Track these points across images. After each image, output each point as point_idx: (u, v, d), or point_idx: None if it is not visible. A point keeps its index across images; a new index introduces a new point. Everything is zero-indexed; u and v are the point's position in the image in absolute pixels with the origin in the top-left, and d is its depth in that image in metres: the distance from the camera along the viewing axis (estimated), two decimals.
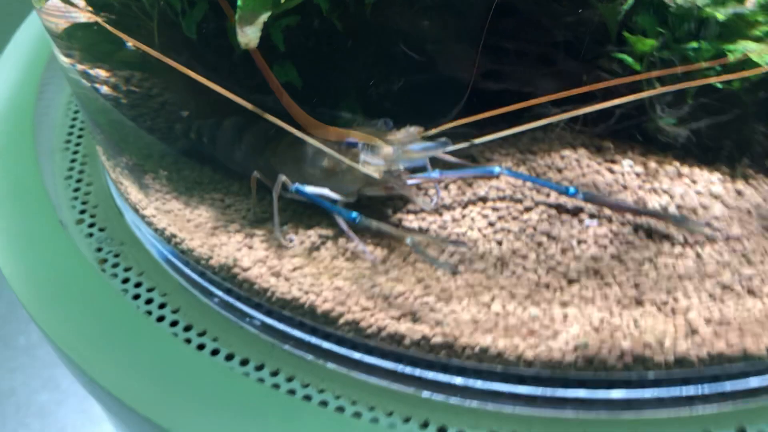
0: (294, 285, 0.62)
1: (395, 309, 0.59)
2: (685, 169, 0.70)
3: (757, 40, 0.65)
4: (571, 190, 0.64)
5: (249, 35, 0.54)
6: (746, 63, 0.65)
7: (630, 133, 0.73)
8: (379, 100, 0.74)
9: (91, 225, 0.78)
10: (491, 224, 0.66)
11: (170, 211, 0.71)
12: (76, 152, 0.89)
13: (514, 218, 0.65)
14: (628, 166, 0.71)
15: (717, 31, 0.68)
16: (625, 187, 0.69)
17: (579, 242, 0.62)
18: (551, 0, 0.73)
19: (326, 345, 0.62)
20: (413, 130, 0.65)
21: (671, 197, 0.67)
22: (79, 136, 0.91)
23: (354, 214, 0.62)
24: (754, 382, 0.55)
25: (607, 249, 0.61)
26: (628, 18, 0.71)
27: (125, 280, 0.71)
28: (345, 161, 0.63)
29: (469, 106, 0.69)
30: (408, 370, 0.59)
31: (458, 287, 0.60)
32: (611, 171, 0.71)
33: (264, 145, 0.71)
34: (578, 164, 0.72)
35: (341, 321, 0.60)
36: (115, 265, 0.73)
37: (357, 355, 0.61)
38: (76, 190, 0.83)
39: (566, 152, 0.73)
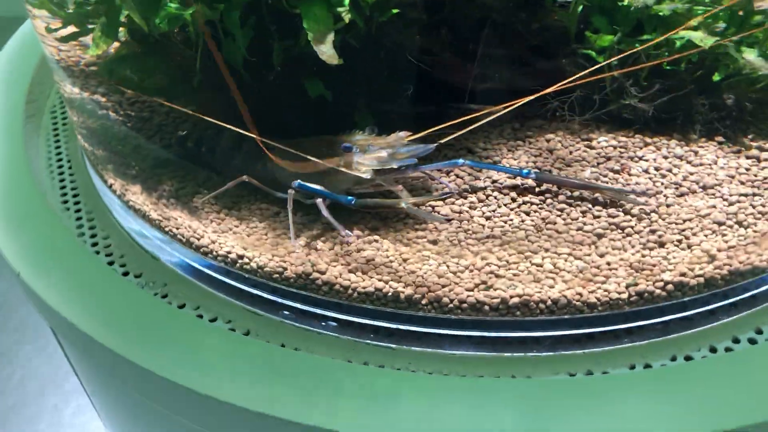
0: (373, 277, 0.69)
1: (467, 281, 0.67)
2: (648, 139, 0.85)
3: (694, 29, 0.82)
4: (524, 171, 0.76)
5: (327, 53, 0.61)
6: (686, 48, 0.82)
7: (599, 116, 0.88)
8: (386, 108, 0.84)
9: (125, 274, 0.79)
10: (513, 200, 0.77)
11: (228, 231, 0.74)
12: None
13: (531, 194, 0.77)
14: (604, 141, 0.85)
15: (655, 24, 0.83)
16: (608, 159, 0.82)
17: (594, 205, 0.75)
18: (520, 11, 0.86)
19: (406, 328, 0.69)
20: (402, 134, 0.77)
21: (647, 161, 0.81)
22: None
23: (349, 198, 0.72)
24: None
25: (620, 208, 0.74)
26: (582, 22, 0.86)
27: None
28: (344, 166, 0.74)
29: (462, 109, 0.81)
30: (493, 334, 0.68)
31: (511, 255, 0.70)
32: (592, 147, 0.84)
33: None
34: (563, 144, 0.85)
35: (423, 301, 0.67)
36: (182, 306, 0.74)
37: (443, 331, 0.69)
38: (95, 245, 0.83)
39: (552, 136, 0.86)
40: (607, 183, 0.78)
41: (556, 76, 0.86)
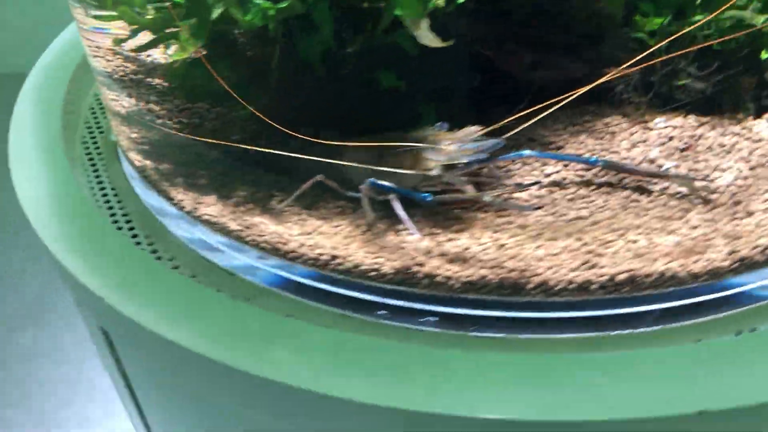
0: (474, 266, 0.68)
1: (569, 262, 0.67)
2: (703, 119, 0.87)
3: (742, 8, 0.84)
4: (592, 159, 0.77)
5: (427, 37, 0.61)
6: (735, 27, 0.84)
7: (651, 100, 0.89)
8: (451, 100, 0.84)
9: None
10: (590, 183, 0.77)
11: (312, 232, 0.73)
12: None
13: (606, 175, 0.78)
14: (661, 123, 0.86)
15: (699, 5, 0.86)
16: (670, 138, 0.84)
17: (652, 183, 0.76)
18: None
19: (514, 314, 0.69)
20: (473, 129, 0.76)
21: (707, 139, 0.83)
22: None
23: (424, 194, 0.71)
24: None
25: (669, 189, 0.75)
26: (626, 8, 0.88)
27: None
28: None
29: (519, 101, 0.82)
30: (599, 312, 0.68)
31: (604, 234, 0.70)
32: (650, 129, 0.86)
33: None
34: (621, 128, 0.86)
35: (529, 286, 0.67)
36: None
37: (549, 314, 0.68)
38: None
39: (609, 120, 0.87)
40: (676, 163, 0.79)
41: (607, 61, 0.88)
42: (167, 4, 0.70)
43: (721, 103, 0.89)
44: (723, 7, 0.84)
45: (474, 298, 0.69)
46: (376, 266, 0.70)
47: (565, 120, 0.88)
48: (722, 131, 0.85)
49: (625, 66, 0.82)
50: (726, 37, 0.83)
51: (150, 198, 0.86)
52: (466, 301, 0.69)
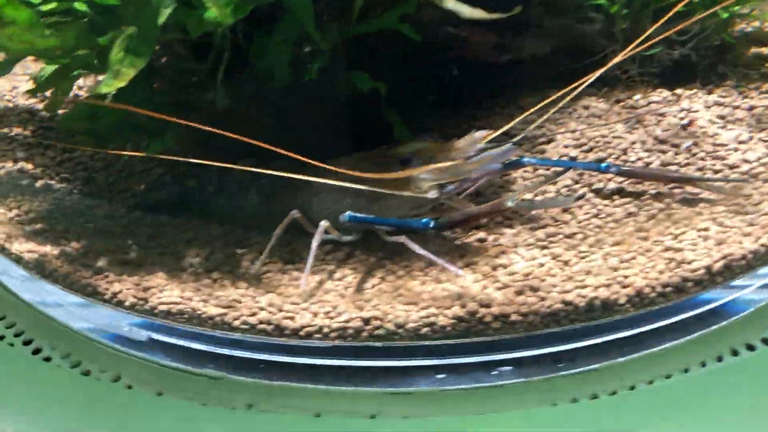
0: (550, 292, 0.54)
1: (650, 265, 0.56)
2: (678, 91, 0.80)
3: None
4: (603, 165, 0.65)
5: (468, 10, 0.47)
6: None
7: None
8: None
9: None
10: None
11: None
12: None
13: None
14: (642, 101, 0.79)
15: None
16: (662, 115, 0.76)
17: None
18: None
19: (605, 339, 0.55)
20: (478, 134, 0.63)
21: (696, 111, 0.76)
22: None
23: (426, 220, 0.57)
24: None
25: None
26: None
27: None
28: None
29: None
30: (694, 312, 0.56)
31: (667, 228, 0.60)
32: (634, 107, 0.78)
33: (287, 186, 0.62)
34: (602, 109, 0.78)
35: (621, 300, 0.54)
36: None
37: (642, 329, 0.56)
38: None
39: (588, 102, 0.78)
40: (686, 140, 0.71)
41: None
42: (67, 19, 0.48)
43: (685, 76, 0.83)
44: None
45: (558, 330, 0.54)
46: (430, 319, 0.53)
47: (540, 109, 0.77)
48: (704, 101, 0.78)
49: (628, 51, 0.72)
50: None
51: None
52: (546, 337, 0.54)
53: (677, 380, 0.52)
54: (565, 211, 0.64)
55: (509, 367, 0.55)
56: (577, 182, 0.68)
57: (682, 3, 0.76)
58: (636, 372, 0.54)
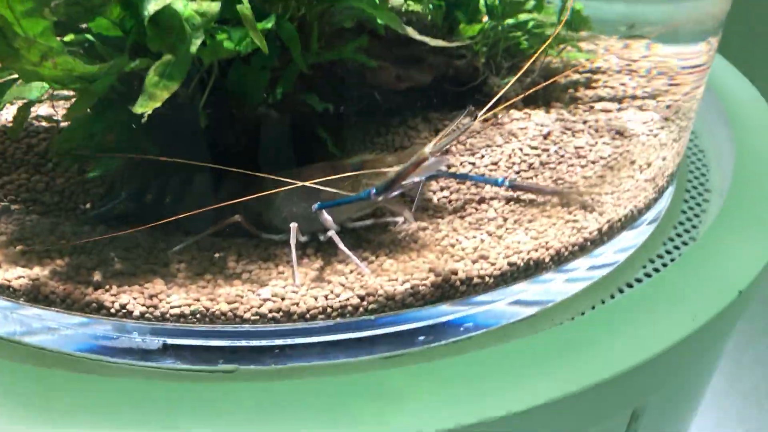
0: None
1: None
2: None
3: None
4: (500, 180, 0.80)
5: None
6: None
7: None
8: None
9: None
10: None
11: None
12: None
13: None
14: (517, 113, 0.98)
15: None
16: (522, 129, 0.96)
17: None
18: None
19: None
20: (427, 149, 0.70)
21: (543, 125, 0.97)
22: None
23: (367, 190, 0.68)
24: None
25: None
26: None
27: None
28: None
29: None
30: None
31: (552, 216, 0.78)
32: (502, 124, 0.97)
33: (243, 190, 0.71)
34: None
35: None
36: None
37: None
38: None
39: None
40: (552, 146, 0.90)
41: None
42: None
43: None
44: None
45: None
46: (413, 290, 0.64)
47: (425, 127, 0.93)
48: (549, 117, 0.99)
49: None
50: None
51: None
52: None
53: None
54: (482, 202, 0.79)
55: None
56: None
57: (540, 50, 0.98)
58: (561, 314, 0.71)
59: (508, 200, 0.80)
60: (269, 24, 0.57)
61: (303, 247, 0.69)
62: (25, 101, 0.65)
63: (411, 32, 0.67)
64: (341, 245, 0.66)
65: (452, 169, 0.84)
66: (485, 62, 1.00)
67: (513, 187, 0.80)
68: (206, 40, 0.55)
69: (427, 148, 0.66)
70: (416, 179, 0.70)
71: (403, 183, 0.70)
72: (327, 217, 0.67)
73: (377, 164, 0.74)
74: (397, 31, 0.91)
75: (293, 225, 0.67)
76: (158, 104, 0.53)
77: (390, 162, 0.74)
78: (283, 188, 0.68)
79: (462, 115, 0.71)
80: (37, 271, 0.62)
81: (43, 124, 0.75)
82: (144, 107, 0.52)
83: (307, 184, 0.67)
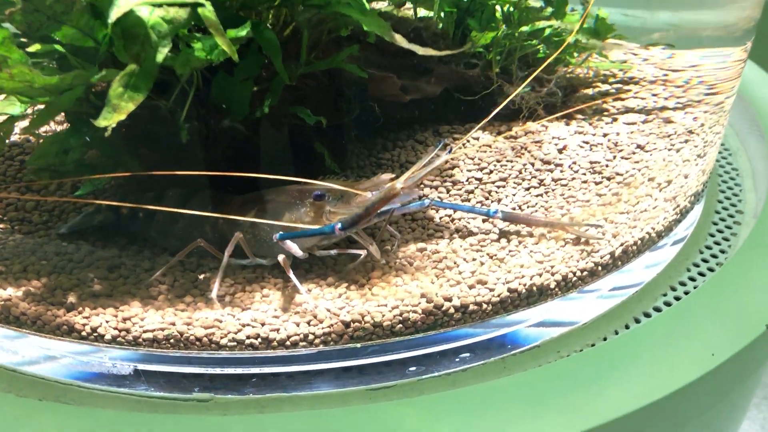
0: None
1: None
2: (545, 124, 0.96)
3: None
4: (492, 211, 0.72)
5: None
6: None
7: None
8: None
9: None
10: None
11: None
12: None
13: None
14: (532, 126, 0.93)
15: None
16: (539, 142, 0.91)
17: None
18: None
19: None
20: (385, 177, 0.69)
21: (560, 139, 0.92)
22: None
23: (332, 224, 0.63)
24: None
25: None
26: None
27: None
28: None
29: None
30: None
31: (559, 239, 0.73)
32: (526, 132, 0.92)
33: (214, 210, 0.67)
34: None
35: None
36: None
37: None
38: None
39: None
40: (566, 160, 0.85)
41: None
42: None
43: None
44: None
45: None
46: (402, 317, 0.60)
47: (434, 141, 0.89)
48: (568, 131, 0.94)
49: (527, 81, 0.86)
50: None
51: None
52: None
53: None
54: (486, 221, 0.74)
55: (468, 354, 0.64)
56: (487, 198, 0.79)
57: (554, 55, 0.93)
58: (567, 345, 0.65)
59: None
60: (243, 31, 0.53)
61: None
62: (6, 116, 0.62)
63: (400, 40, 0.62)
64: (290, 273, 0.62)
65: (457, 186, 0.79)
66: (499, 72, 0.95)
67: (505, 218, 0.72)
68: (181, 48, 0.52)
69: (399, 183, 0.61)
70: (389, 209, 0.66)
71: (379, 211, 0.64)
72: (291, 244, 0.62)
73: (341, 193, 0.67)
74: None
75: (237, 234, 0.63)
76: (123, 117, 0.50)
77: (352, 192, 0.66)
78: (247, 213, 0.65)
79: (437, 148, 0.66)
80: (11, 292, 0.60)
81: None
82: (108, 120, 0.49)
83: (257, 221, 0.64)
